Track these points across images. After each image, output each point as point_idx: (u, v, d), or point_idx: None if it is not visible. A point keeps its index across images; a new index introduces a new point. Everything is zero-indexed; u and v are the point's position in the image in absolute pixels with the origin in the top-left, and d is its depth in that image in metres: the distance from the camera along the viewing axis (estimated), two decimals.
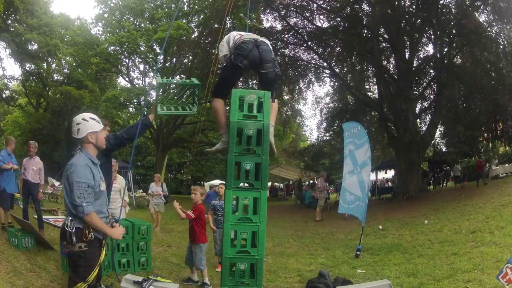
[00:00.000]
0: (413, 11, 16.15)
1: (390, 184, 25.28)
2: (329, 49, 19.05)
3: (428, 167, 26.54)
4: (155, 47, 23.94)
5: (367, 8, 17.65)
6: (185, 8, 24.73)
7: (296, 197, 24.69)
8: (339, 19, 18.16)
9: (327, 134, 23.95)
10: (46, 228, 7.53)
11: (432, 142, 21.05)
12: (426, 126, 18.95)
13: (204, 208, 5.08)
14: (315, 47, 19.08)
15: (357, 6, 17.40)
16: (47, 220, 8.47)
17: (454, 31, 16.08)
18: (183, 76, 26.10)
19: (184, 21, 23.67)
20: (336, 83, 21.38)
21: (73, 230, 2.61)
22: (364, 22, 17.67)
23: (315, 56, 19.83)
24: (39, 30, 25.04)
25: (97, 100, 24.78)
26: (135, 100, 21.85)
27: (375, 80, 20.46)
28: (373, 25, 17.06)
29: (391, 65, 19.89)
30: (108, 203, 3.01)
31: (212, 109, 3.64)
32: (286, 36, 19.41)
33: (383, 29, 17.62)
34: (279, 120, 23.83)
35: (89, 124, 2.77)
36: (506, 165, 19.02)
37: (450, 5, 16.16)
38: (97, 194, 2.74)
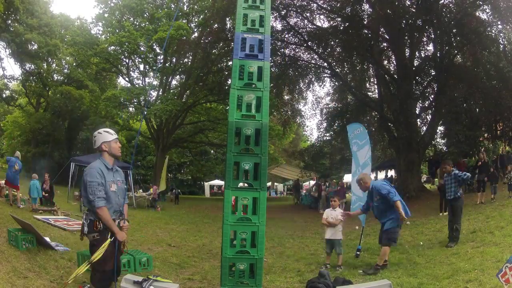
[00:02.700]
0: (413, 11, 16.14)
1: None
2: (329, 49, 19.02)
3: (428, 167, 26.44)
4: (155, 47, 23.95)
5: (368, 8, 17.66)
6: (185, 8, 24.74)
7: (295, 197, 24.75)
8: (339, 19, 18.15)
9: (327, 134, 23.93)
10: (46, 228, 7.54)
11: (433, 142, 21.01)
12: (426, 126, 18.93)
13: None
14: (315, 47, 19.06)
15: (358, 6, 17.38)
16: (47, 220, 8.49)
17: (454, 30, 16.07)
18: (182, 76, 26.17)
19: (184, 21, 23.66)
20: (336, 83, 21.36)
21: (87, 222, 3.14)
22: (365, 22, 17.66)
23: (315, 56, 19.81)
24: (39, 30, 25.03)
25: (97, 100, 24.76)
26: (135, 100, 21.83)
27: (375, 80, 20.45)
28: (373, 25, 17.04)
29: (391, 65, 19.89)
30: (123, 203, 3.39)
31: None
32: (286, 36, 19.41)
33: (383, 29, 17.61)
34: (279, 120, 23.87)
35: (102, 136, 3.33)
36: None
37: (450, 5, 16.15)
38: (108, 194, 3.18)
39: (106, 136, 3.33)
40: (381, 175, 25.78)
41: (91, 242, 3.16)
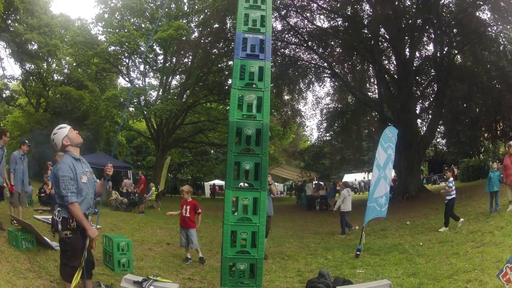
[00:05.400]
0: (414, 10, 16.14)
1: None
2: (329, 49, 19.03)
3: (428, 167, 26.43)
4: (155, 47, 23.94)
5: (368, 8, 17.65)
6: (185, 8, 24.74)
7: (297, 197, 24.87)
8: (339, 19, 18.16)
9: (327, 134, 23.93)
10: (46, 228, 7.53)
11: (433, 142, 21.03)
12: (427, 126, 18.93)
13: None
14: (315, 47, 19.06)
15: (358, 6, 17.38)
16: (47, 220, 8.48)
17: (454, 30, 16.07)
18: (182, 76, 26.16)
19: (184, 21, 23.65)
20: (337, 83, 21.36)
21: (60, 219, 3.12)
22: (365, 22, 17.66)
23: (315, 56, 19.82)
24: (39, 30, 25.02)
25: (97, 100, 24.73)
26: (135, 100, 21.81)
27: (375, 80, 20.45)
28: (373, 25, 17.05)
29: (392, 65, 19.89)
30: (93, 195, 3.40)
31: None
32: (286, 36, 19.41)
33: (383, 29, 17.60)
34: (279, 121, 23.86)
35: (58, 134, 3.32)
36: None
37: (451, 5, 16.16)
38: (80, 186, 3.20)
39: (61, 132, 3.33)
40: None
41: (63, 239, 3.15)
